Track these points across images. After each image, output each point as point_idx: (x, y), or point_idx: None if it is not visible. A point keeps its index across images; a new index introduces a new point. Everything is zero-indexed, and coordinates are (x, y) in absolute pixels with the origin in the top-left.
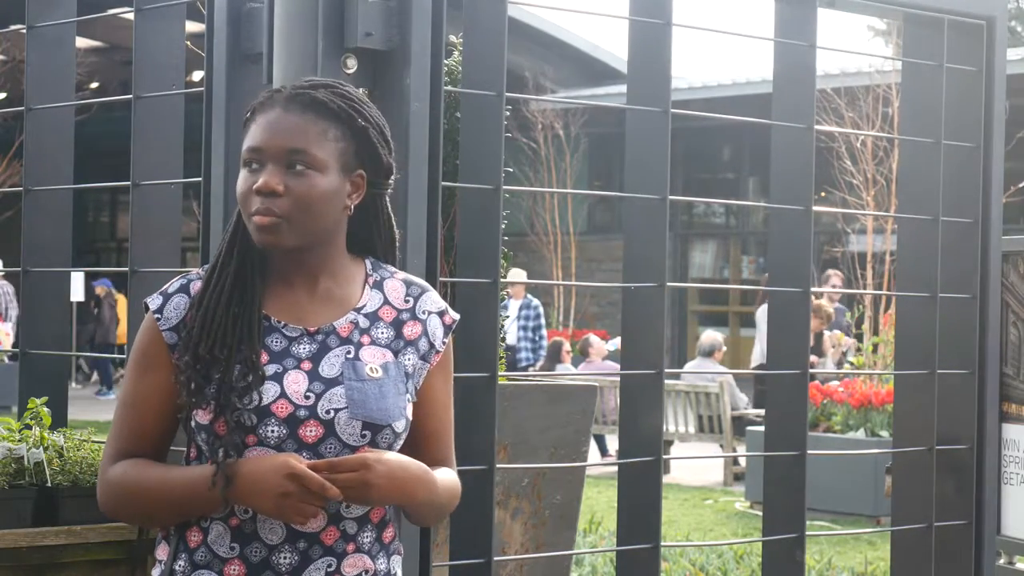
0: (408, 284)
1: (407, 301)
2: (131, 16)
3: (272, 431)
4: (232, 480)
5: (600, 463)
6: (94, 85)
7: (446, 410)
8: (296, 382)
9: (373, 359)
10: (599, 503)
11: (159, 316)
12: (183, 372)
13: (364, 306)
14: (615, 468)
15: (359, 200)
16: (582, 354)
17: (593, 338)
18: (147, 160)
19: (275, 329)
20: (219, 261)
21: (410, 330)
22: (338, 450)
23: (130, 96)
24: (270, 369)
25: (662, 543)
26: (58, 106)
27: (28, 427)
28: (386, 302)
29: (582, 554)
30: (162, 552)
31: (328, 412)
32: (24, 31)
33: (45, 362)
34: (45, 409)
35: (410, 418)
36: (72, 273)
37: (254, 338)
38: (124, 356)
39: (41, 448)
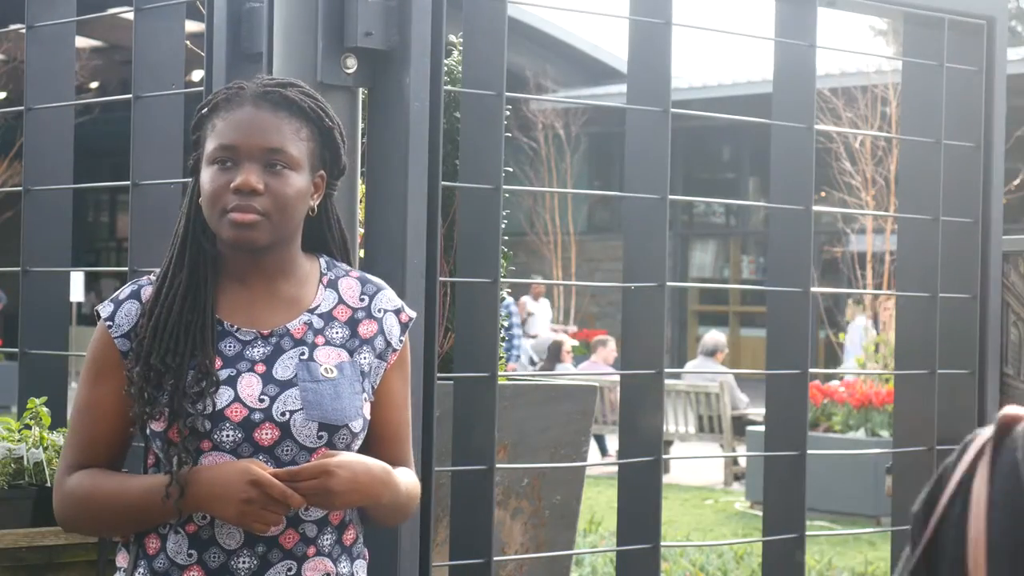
0: (363, 282)
1: (362, 300)
2: (131, 16)
3: (227, 435)
4: (189, 488)
5: (600, 463)
6: (94, 85)
7: (404, 410)
8: (250, 385)
9: (328, 359)
10: (599, 503)
11: (111, 324)
12: (135, 384)
13: (318, 306)
14: (615, 468)
15: (319, 200)
16: (593, 350)
17: (611, 341)
18: (147, 160)
19: (228, 333)
20: (170, 267)
21: (365, 328)
22: (295, 452)
23: (130, 96)
24: (223, 373)
25: (662, 543)
26: (58, 106)
27: (28, 427)
28: (340, 301)
29: (582, 554)
30: (122, 559)
31: (283, 414)
32: (24, 31)
33: (45, 362)
34: (45, 409)
35: (368, 417)
36: (72, 273)
37: (207, 344)
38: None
39: (41, 448)
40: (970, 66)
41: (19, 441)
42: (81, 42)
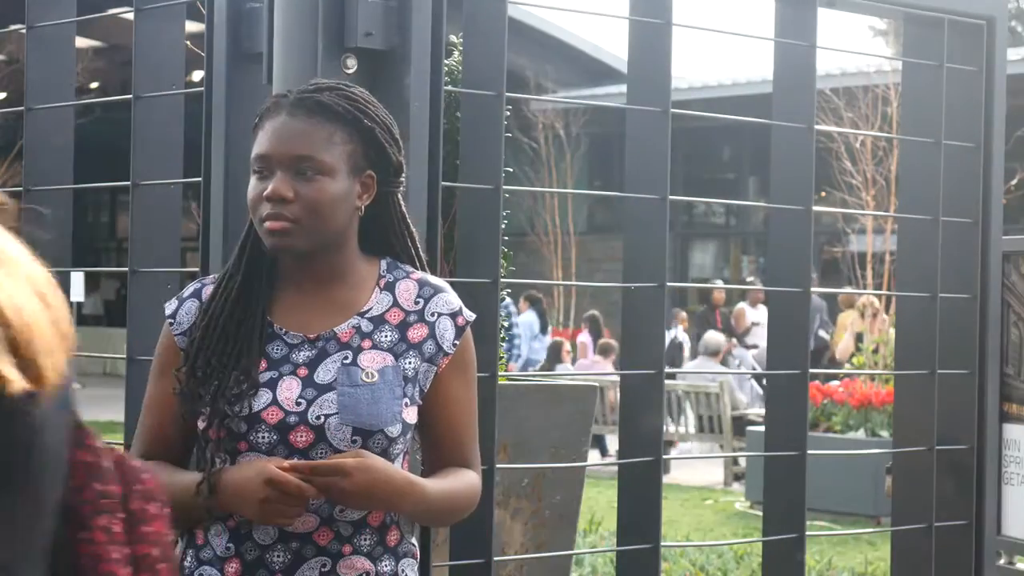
0: (422, 285)
1: (417, 303)
2: (131, 16)
3: (262, 437)
4: (216, 489)
5: (600, 463)
6: (94, 85)
7: (464, 412)
8: (289, 389)
9: (372, 363)
10: (599, 503)
11: (172, 321)
12: (181, 383)
13: (369, 309)
14: (615, 468)
15: (370, 201)
16: (602, 354)
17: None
18: (147, 160)
19: (277, 336)
20: (228, 271)
21: (415, 333)
22: (329, 455)
23: (130, 96)
24: (266, 376)
25: (662, 543)
26: (58, 106)
27: None
28: (395, 304)
29: (582, 554)
30: (176, 550)
31: (319, 418)
32: (24, 31)
33: None
34: None
35: (410, 421)
36: (72, 273)
37: (253, 347)
38: (124, 357)
39: None
40: (970, 66)
41: None
42: (81, 42)
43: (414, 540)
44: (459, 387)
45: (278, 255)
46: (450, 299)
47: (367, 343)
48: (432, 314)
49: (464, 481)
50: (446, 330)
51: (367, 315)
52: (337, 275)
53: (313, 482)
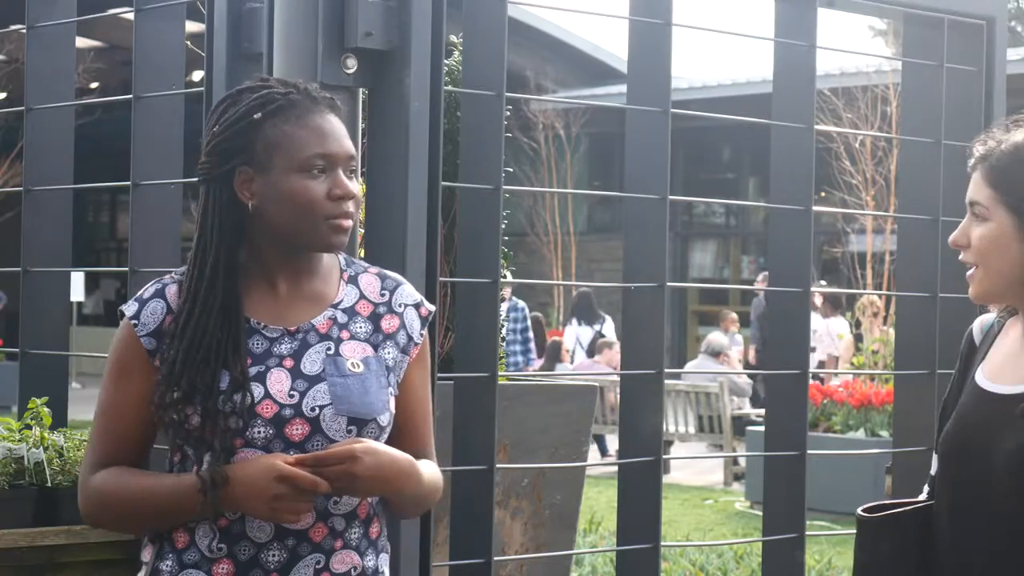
0: (383, 278)
1: (383, 295)
2: (131, 16)
3: (259, 432)
4: (222, 487)
5: (600, 463)
6: (94, 85)
7: (424, 403)
8: (279, 381)
9: (353, 354)
10: (599, 503)
11: (136, 322)
12: (160, 411)
13: (340, 302)
14: (615, 468)
15: None
16: (598, 351)
17: (616, 344)
18: (147, 160)
19: (255, 331)
20: (202, 283)
21: (388, 323)
22: (324, 447)
23: (130, 96)
24: (252, 371)
25: (662, 543)
26: (58, 106)
27: (28, 427)
28: (362, 296)
29: (582, 554)
30: (147, 554)
31: (313, 409)
32: (24, 31)
33: (45, 362)
34: (45, 409)
35: (393, 411)
36: (72, 273)
37: (240, 343)
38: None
39: (41, 448)
40: (970, 66)
41: (19, 441)
42: (81, 42)
43: (385, 534)
44: (421, 377)
45: (330, 252)
46: (411, 291)
47: (345, 334)
48: (400, 305)
49: (436, 472)
50: (413, 320)
51: (340, 307)
52: (313, 269)
53: (323, 473)
